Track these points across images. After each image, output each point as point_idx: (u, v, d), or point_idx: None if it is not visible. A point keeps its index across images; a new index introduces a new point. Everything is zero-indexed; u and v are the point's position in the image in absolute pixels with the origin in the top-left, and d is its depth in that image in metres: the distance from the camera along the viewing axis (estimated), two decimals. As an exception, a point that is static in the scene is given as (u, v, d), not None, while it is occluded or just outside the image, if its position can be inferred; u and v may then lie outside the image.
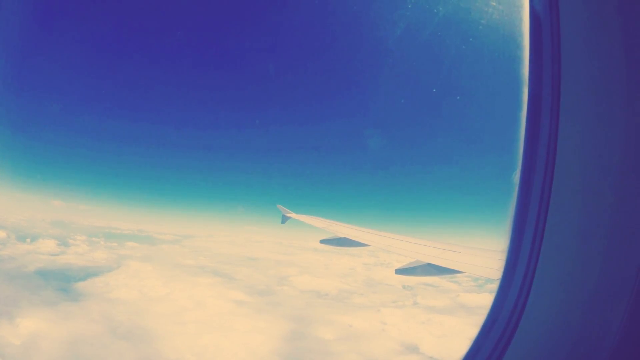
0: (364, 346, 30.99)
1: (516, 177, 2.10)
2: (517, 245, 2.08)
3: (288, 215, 13.01)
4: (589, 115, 1.85)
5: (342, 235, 10.06)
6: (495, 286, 2.29)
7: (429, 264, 7.05)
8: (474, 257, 6.60)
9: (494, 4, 3.52)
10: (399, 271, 7.45)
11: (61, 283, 43.70)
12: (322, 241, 10.27)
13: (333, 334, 32.67)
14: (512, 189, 2.13)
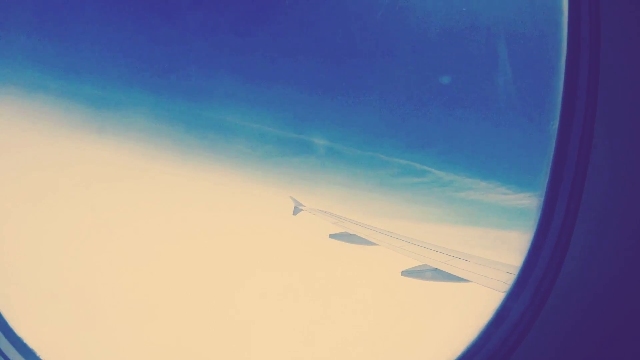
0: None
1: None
2: (542, 238, 2.01)
3: (300, 207, 13.08)
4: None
5: (352, 232, 10.15)
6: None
7: (436, 270, 7.09)
8: (483, 268, 6.61)
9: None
10: (406, 273, 7.51)
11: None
12: (332, 236, 10.39)
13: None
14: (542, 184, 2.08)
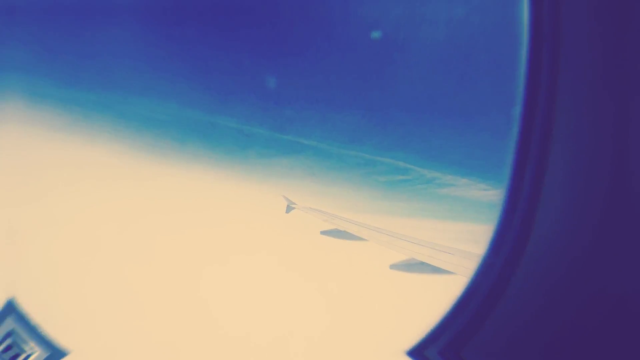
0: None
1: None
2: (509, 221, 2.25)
3: (292, 206, 13.52)
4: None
5: (342, 229, 10.67)
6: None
7: (423, 263, 7.63)
8: (466, 260, 7.13)
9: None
10: (394, 267, 8.06)
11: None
12: (323, 232, 10.92)
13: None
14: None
